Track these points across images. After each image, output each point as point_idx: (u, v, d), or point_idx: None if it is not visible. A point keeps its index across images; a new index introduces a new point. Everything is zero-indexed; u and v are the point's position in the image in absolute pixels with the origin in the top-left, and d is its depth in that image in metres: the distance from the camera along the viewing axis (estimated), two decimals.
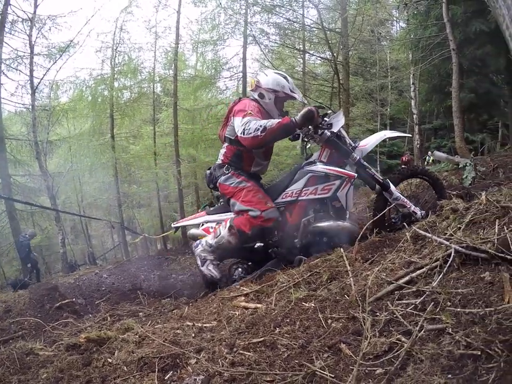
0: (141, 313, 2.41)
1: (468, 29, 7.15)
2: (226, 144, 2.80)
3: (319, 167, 2.59)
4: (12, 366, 1.53)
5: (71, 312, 2.54)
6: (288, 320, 1.47)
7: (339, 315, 1.41)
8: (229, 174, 2.72)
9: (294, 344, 1.27)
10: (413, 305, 1.27)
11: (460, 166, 5.34)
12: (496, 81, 9.28)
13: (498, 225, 1.45)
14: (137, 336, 1.55)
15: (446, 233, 1.62)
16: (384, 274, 1.55)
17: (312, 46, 10.34)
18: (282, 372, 1.14)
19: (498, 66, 8.11)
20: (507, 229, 1.37)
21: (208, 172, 2.90)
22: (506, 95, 8.82)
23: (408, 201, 2.67)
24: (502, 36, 7.47)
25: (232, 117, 2.66)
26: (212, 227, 2.87)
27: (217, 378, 1.16)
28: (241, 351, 1.29)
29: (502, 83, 9.13)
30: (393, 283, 1.44)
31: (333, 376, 1.06)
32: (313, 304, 1.55)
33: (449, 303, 1.19)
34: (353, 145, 2.66)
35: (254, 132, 2.38)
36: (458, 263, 1.38)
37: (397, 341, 1.12)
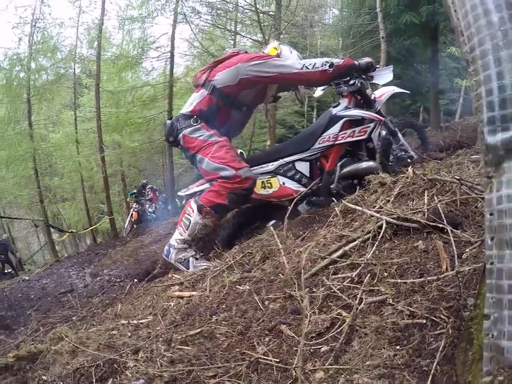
0: (74, 317, 2.22)
1: (399, 20, 7.54)
2: (204, 92, 2.41)
3: (356, 111, 2.62)
4: None
5: (1, 328, 2.29)
6: (224, 306, 1.39)
7: (275, 295, 1.36)
8: (198, 126, 2.37)
9: (233, 331, 1.20)
10: (350, 279, 1.26)
11: None
12: (420, 70, 10.08)
13: (427, 196, 1.51)
14: (71, 345, 1.40)
15: (375, 206, 1.64)
16: (317, 249, 1.53)
17: (244, 27, 10.15)
18: (224, 363, 1.06)
19: (424, 57, 8.82)
20: (437, 199, 1.42)
21: (168, 121, 2.52)
22: (429, 82, 9.61)
23: (408, 146, 2.93)
24: (431, 29, 8.03)
25: (241, 64, 2.33)
26: None
27: (157, 381, 1.06)
28: (179, 346, 1.20)
29: (426, 72, 9.91)
30: (326, 258, 1.42)
31: (278, 360, 1.01)
32: (248, 287, 1.48)
33: (386, 274, 1.19)
34: (373, 96, 2.77)
35: (321, 66, 2.31)
36: (390, 234, 1.39)
37: (338, 316, 1.10)
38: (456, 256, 1.11)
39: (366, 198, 1.84)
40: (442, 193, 1.50)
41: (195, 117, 2.40)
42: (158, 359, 1.16)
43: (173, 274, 2.17)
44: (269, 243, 1.91)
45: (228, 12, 8.98)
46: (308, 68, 2.30)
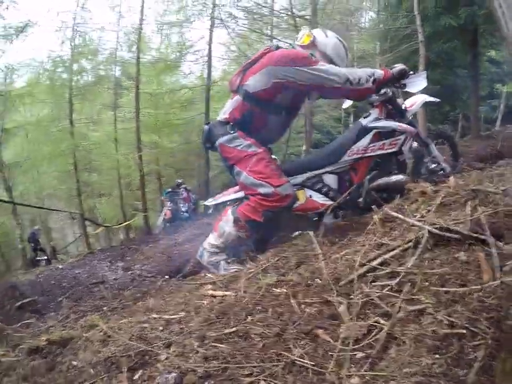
0: (105, 308, 2.25)
1: (437, 23, 7.37)
2: (238, 98, 2.29)
3: (386, 122, 2.57)
4: None
5: (33, 312, 2.38)
6: (259, 308, 1.39)
7: (312, 300, 1.35)
8: (234, 134, 2.25)
9: (269, 332, 1.20)
10: (389, 287, 1.23)
11: None
12: (460, 74, 9.71)
13: (469, 207, 1.46)
14: (102, 334, 1.43)
15: (416, 215, 1.61)
16: (355, 257, 1.51)
17: (280, 31, 10.20)
18: (260, 363, 1.06)
19: (464, 61, 8.49)
20: (480, 210, 1.38)
21: (206, 127, 2.44)
22: (469, 88, 9.26)
23: (442, 158, 2.80)
24: (470, 32, 7.78)
25: (271, 66, 2.17)
26: None
27: (190, 375, 1.06)
28: (213, 343, 1.21)
29: (466, 77, 9.54)
30: (366, 265, 1.40)
31: (313, 363, 1.00)
32: (284, 290, 1.48)
33: (426, 283, 1.17)
34: (404, 106, 2.70)
35: (366, 82, 2.17)
36: (432, 244, 1.36)
37: (376, 323, 1.08)
38: (498, 268, 1.09)
39: (406, 207, 1.80)
40: (485, 204, 1.46)
41: (231, 124, 2.30)
42: (191, 354, 1.17)
43: (206, 274, 2.21)
44: (304, 248, 1.91)
45: (264, 16, 9.06)
46: (351, 84, 2.16)
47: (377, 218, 1.80)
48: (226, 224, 2.28)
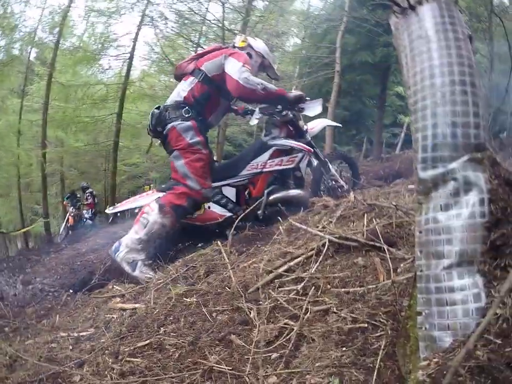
0: (6, 328, 2.04)
1: (354, 58, 8.21)
2: (194, 79, 2.49)
3: (285, 141, 2.75)
4: None
5: None
6: (171, 318, 1.39)
7: (223, 307, 1.40)
8: (189, 124, 2.41)
9: (183, 342, 1.21)
10: (295, 291, 1.34)
11: None
12: (367, 104, 10.96)
13: (366, 219, 1.67)
14: (7, 358, 1.33)
15: (319, 226, 1.76)
16: (262, 264, 1.60)
17: (207, 41, 10.26)
18: (178, 373, 1.07)
19: (373, 93, 9.63)
20: (375, 222, 1.59)
21: (156, 111, 2.48)
22: (374, 116, 10.49)
23: (339, 177, 3.12)
24: (382, 68, 8.70)
25: (224, 56, 2.48)
26: None
27: None
28: (128, 358, 1.18)
29: (373, 107, 10.80)
30: (272, 272, 1.49)
31: (231, 368, 1.05)
32: (195, 299, 1.50)
33: (329, 286, 1.30)
34: (305, 128, 2.92)
35: (255, 85, 2.38)
36: (332, 251, 1.51)
37: (286, 325, 1.17)
38: (391, 270, 1.26)
39: (309, 218, 1.97)
40: (380, 217, 1.66)
41: (186, 107, 2.43)
42: (106, 372, 1.13)
43: (114, 286, 2.10)
44: (212, 257, 1.95)
45: (194, 22, 9.02)
46: (241, 80, 2.37)
47: (283, 228, 1.94)
48: (150, 214, 2.33)
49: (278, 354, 1.06)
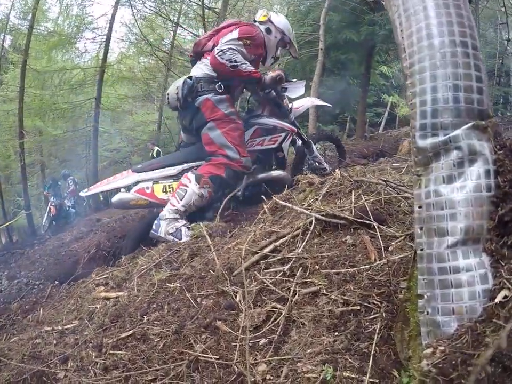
0: None
1: (339, 36, 7.97)
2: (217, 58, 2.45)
3: (267, 120, 2.68)
4: None
5: None
6: (155, 306, 1.33)
7: (208, 292, 1.33)
8: (224, 97, 2.43)
9: (167, 331, 1.14)
10: (282, 272, 1.28)
11: None
12: (351, 83, 10.83)
13: (354, 196, 1.61)
14: None
15: (304, 204, 1.69)
16: (247, 246, 1.52)
17: (186, 20, 9.88)
18: (163, 365, 1.01)
19: (358, 72, 9.49)
20: (363, 198, 1.53)
21: (189, 80, 2.41)
22: (358, 95, 10.38)
23: (322, 159, 3.09)
24: (367, 47, 8.53)
25: (234, 30, 2.46)
26: (147, 187, 2.40)
27: None
28: (111, 351, 1.13)
29: (357, 86, 10.68)
30: (258, 253, 1.42)
31: (218, 357, 0.99)
32: (178, 284, 1.44)
33: (317, 267, 1.24)
34: (290, 107, 2.84)
35: (226, 60, 2.35)
36: (319, 230, 1.45)
37: (273, 309, 1.11)
38: (383, 248, 1.21)
39: (294, 196, 1.90)
40: (368, 194, 1.60)
41: (219, 83, 2.42)
42: (90, 367, 1.09)
43: (97, 273, 2.02)
44: (196, 240, 1.89)
45: (174, 1, 8.63)
46: (217, 53, 2.36)
47: (267, 207, 1.87)
48: (188, 185, 2.30)
49: (267, 340, 1.01)
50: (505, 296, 0.60)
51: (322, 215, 1.46)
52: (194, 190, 2.28)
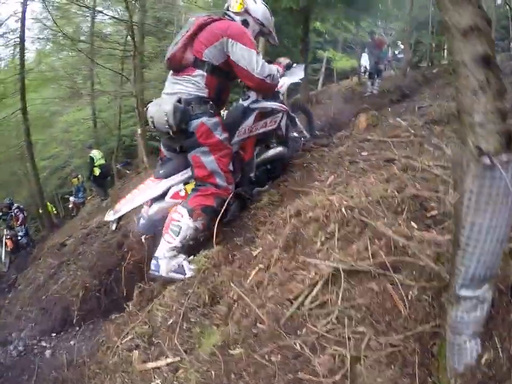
0: None
1: (277, 4, 7.64)
2: (202, 73, 2.30)
3: (266, 103, 2.82)
4: None
5: None
6: (233, 377, 1.40)
7: (270, 347, 1.45)
8: (217, 120, 2.36)
9: None
10: (330, 321, 1.47)
11: None
12: (287, 45, 10.70)
13: (364, 242, 1.77)
14: None
15: (320, 249, 1.81)
16: (278, 291, 1.67)
17: (103, 2, 8.90)
18: None
19: (295, 35, 9.40)
20: (374, 244, 1.70)
21: (180, 104, 2.22)
22: (298, 59, 10.32)
23: (302, 127, 3.51)
24: (303, 12, 8.17)
25: (225, 40, 2.26)
26: (180, 190, 2.42)
27: None
28: None
29: (294, 47, 10.57)
30: (292, 300, 1.61)
31: None
32: (240, 349, 1.51)
33: (359, 315, 1.43)
34: (277, 88, 2.91)
35: (275, 79, 2.45)
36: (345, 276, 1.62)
37: (336, 354, 1.29)
38: (404, 297, 1.40)
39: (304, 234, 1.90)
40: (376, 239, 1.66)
41: (211, 102, 2.34)
42: None
43: (117, 333, 1.98)
44: (204, 275, 1.99)
45: None
46: (264, 76, 2.36)
47: (278, 250, 1.89)
48: (181, 220, 2.25)
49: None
50: None
51: (348, 266, 1.56)
52: (188, 224, 2.25)
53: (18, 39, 7.12)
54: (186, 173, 2.46)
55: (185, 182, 2.46)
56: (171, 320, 1.80)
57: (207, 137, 2.32)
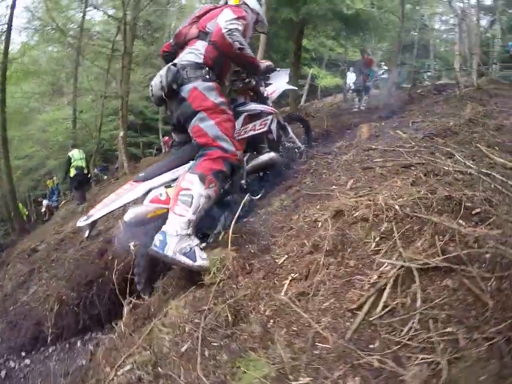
0: None
1: (277, 15, 7.60)
2: (204, 43, 2.31)
3: (254, 105, 2.75)
4: None
5: None
6: None
7: (341, 369, 1.23)
8: (212, 85, 2.23)
9: None
10: (411, 327, 1.29)
11: None
12: (277, 59, 10.75)
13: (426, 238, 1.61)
14: None
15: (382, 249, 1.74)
16: (335, 301, 1.52)
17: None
18: None
19: (284, 49, 9.45)
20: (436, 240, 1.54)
21: (173, 67, 2.19)
22: (292, 72, 10.43)
23: (295, 138, 3.41)
24: (300, 28, 8.26)
25: (224, 9, 2.31)
26: (161, 194, 2.10)
27: None
28: None
29: (282, 61, 10.63)
30: (355, 311, 1.43)
31: None
32: (307, 379, 1.26)
33: (443, 315, 1.27)
34: (266, 93, 2.95)
35: (238, 42, 2.22)
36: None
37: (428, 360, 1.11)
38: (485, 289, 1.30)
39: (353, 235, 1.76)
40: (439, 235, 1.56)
41: (207, 68, 2.26)
42: None
43: (110, 364, 1.56)
44: (233, 295, 1.65)
45: None
46: (227, 32, 2.20)
47: (324, 253, 1.71)
48: (191, 188, 1.97)
49: None
50: None
51: (420, 264, 1.44)
52: (200, 192, 1.97)
53: (6, 26, 6.61)
54: (168, 175, 2.19)
55: (167, 185, 2.16)
56: (185, 346, 1.46)
57: (200, 101, 2.17)
